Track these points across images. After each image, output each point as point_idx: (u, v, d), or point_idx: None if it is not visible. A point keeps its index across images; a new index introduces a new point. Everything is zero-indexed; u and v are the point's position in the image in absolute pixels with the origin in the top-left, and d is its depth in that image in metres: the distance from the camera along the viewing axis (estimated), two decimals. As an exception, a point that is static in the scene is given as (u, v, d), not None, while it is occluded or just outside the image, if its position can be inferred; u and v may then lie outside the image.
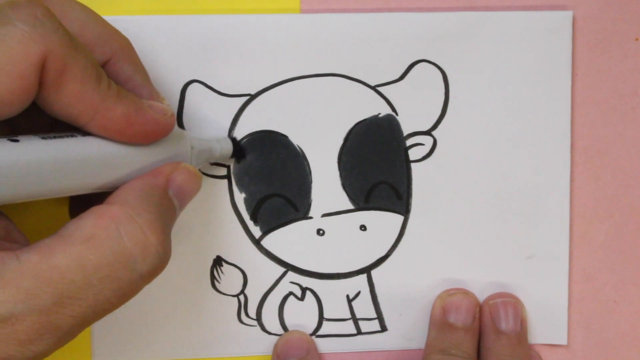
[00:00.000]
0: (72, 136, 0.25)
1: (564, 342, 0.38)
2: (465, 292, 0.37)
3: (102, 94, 0.25)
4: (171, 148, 0.29)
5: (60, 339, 0.24)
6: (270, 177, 0.36)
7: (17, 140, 0.23)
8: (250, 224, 0.36)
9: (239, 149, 0.35)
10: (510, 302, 0.36)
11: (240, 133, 0.36)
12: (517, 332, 0.36)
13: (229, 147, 0.34)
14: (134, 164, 0.27)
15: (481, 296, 0.37)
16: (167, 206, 0.27)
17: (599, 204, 0.37)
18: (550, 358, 0.38)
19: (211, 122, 0.36)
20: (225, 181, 0.36)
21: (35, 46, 0.23)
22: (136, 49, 0.33)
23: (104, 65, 0.28)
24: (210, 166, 0.36)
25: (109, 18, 0.35)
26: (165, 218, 0.27)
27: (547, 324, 0.37)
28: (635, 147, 0.37)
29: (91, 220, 0.25)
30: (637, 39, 0.37)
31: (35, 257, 0.23)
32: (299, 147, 0.36)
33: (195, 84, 0.35)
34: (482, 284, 0.37)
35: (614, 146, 0.37)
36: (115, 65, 0.29)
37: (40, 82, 0.24)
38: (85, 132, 0.26)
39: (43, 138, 0.24)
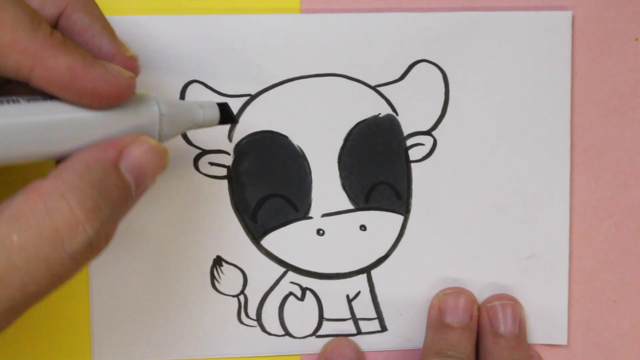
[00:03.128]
0: (14, 101, 0.24)
1: (564, 342, 0.38)
2: (461, 291, 0.36)
3: (40, 42, 0.24)
4: (133, 116, 0.26)
5: None
6: (270, 177, 0.36)
7: None
8: (250, 224, 0.36)
9: (228, 113, 0.31)
10: (509, 304, 0.36)
11: (240, 133, 0.36)
12: (515, 335, 0.36)
13: (214, 112, 0.30)
14: (85, 133, 0.25)
15: (481, 296, 0.37)
16: (114, 183, 0.25)
17: (599, 204, 0.37)
18: (550, 358, 0.38)
19: (211, 122, 0.36)
20: (225, 181, 0.36)
21: None
22: (136, 49, 0.33)
23: (58, 18, 0.27)
24: (210, 166, 0.36)
25: (109, 18, 0.35)
26: (109, 196, 0.24)
27: (547, 324, 0.37)
28: (635, 147, 0.37)
29: (20, 198, 0.23)
30: (637, 39, 0.37)
31: None
32: (299, 147, 0.36)
33: (195, 84, 0.35)
34: (482, 284, 0.37)
35: (614, 146, 0.37)
36: (71, 16, 0.27)
37: None
38: (35, 94, 0.25)
39: None
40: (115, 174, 0.25)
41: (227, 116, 0.30)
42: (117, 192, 0.25)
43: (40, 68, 0.24)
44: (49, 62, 0.24)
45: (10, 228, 0.23)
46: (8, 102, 0.24)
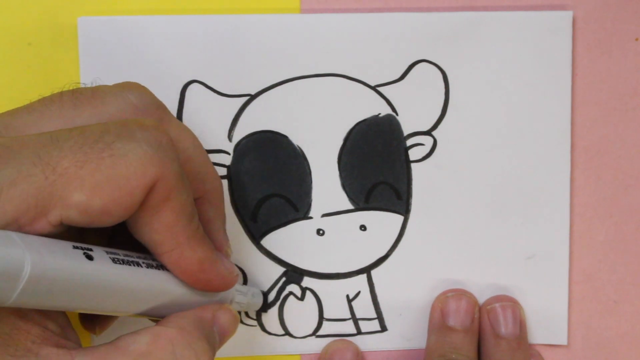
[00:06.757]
0: (137, 265, 0.26)
1: (564, 342, 0.38)
2: (463, 293, 0.36)
3: (188, 233, 0.26)
4: (218, 295, 0.30)
5: None
6: (270, 177, 0.36)
7: (91, 258, 0.24)
8: (250, 223, 0.36)
9: (266, 302, 0.37)
10: (509, 306, 0.36)
11: (240, 133, 0.36)
12: (516, 336, 0.36)
13: (259, 302, 0.36)
14: (184, 302, 0.28)
15: (481, 297, 0.37)
16: (213, 340, 0.28)
17: (599, 204, 0.37)
18: (550, 358, 0.38)
19: (211, 122, 0.36)
20: (225, 181, 0.36)
21: (152, 168, 0.24)
22: (136, 49, 0.33)
23: None
24: (210, 166, 0.36)
25: (108, 18, 0.35)
26: (214, 350, 0.28)
27: (547, 324, 0.37)
28: (635, 147, 0.37)
29: (148, 338, 0.25)
30: (637, 39, 0.37)
31: None
32: (299, 147, 0.36)
33: (195, 84, 0.35)
34: (482, 285, 0.37)
35: (614, 146, 0.37)
36: (203, 205, 0.30)
37: (142, 203, 0.24)
38: (147, 258, 0.27)
39: (114, 261, 0.25)
40: (213, 333, 0.28)
41: (264, 303, 0.37)
42: (214, 347, 0.28)
43: (176, 254, 0.26)
44: (186, 252, 0.26)
45: None
46: (131, 264, 0.26)
